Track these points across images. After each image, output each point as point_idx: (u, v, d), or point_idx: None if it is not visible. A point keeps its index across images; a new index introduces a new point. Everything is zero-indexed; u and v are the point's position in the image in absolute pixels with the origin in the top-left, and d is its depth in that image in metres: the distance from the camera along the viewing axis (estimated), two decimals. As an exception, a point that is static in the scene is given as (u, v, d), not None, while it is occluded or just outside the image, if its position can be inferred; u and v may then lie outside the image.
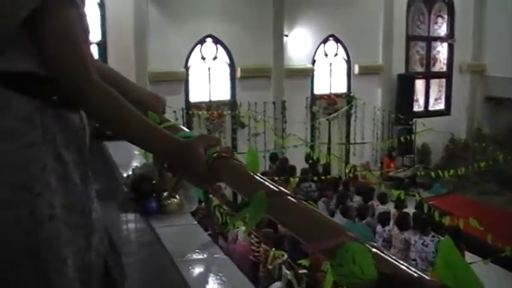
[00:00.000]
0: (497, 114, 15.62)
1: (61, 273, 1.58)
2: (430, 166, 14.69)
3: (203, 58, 12.87)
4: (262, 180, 1.34)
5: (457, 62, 16.08)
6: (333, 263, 0.98)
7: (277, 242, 7.67)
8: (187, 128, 1.94)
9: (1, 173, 1.51)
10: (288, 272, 7.01)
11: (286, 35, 13.31)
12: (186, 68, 12.60)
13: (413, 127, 14.59)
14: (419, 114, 15.26)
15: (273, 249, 7.51)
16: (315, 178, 11.59)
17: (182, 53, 12.42)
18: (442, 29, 16.03)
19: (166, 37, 11.85)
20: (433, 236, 8.32)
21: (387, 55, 14.63)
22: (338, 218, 8.97)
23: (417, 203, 9.59)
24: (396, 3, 14.53)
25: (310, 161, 12.58)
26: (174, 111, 10.96)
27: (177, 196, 2.23)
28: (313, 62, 14.05)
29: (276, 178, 9.96)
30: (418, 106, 15.77)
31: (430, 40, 15.92)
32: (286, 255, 7.31)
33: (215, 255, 1.92)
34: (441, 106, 16.29)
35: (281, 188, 1.28)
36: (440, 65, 16.24)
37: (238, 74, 12.96)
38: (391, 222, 9.40)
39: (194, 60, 12.76)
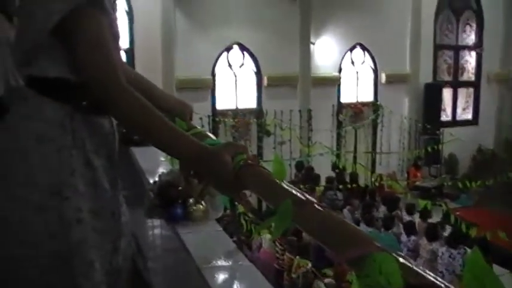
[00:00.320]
0: (525, 125, 15.45)
1: (88, 277, 1.59)
2: (457, 176, 14.54)
3: (230, 66, 12.91)
4: (288, 188, 1.34)
5: (485, 71, 15.92)
6: (359, 273, 0.97)
7: (302, 250, 7.64)
8: (214, 135, 1.95)
9: (31, 176, 1.54)
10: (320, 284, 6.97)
11: (313, 43, 13.30)
12: (213, 75, 12.65)
13: (441, 137, 14.47)
14: (447, 124, 15.12)
15: (297, 257, 7.48)
16: (341, 187, 11.54)
17: (209, 60, 12.47)
18: (471, 38, 15.89)
19: (193, 44, 11.91)
20: (460, 248, 8.21)
21: (415, 64, 14.54)
22: (363, 228, 8.90)
23: (444, 213, 9.51)
24: (424, 12, 14.44)
25: (337, 170, 12.53)
26: (201, 118, 10.99)
27: (203, 203, 2.24)
28: (340, 70, 14.01)
29: (301, 186, 9.93)
30: (446, 116, 15.63)
31: (458, 49, 15.79)
32: (310, 264, 7.28)
33: (240, 262, 1.92)
34: (469, 116, 16.13)
35: (307, 196, 1.28)
36: (468, 74, 16.09)
37: (265, 82, 12.97)
38: (417, 232, 9.32)
39: (221, 67, 12.81)
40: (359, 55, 14.25)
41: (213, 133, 2.11)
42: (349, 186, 11.63)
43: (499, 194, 13.38)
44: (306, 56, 13.21)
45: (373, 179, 13.38)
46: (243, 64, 13.00)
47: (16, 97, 1.65)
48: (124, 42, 11.27)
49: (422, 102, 14.71)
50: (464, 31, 15.79)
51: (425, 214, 9.95)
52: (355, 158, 13.93)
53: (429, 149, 13.23)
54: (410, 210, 10.39)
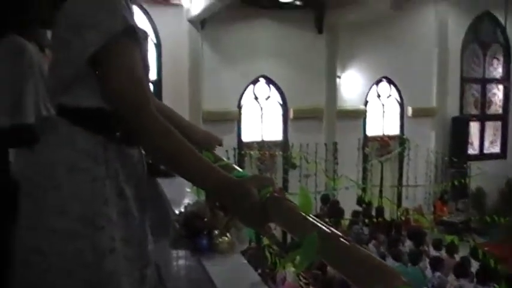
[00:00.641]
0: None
1: None
2: (485, 211, 14.34)
3: (256, 98, 12.98)
4: (314, 222, 1.34)
5: (513, 104, 15.80)
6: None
7: (326, 284, 7.57)
8: (239, 168, 1.96)
9: (64, 206, 1.56)
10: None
11: (339, 77, 13.33)
12: (239, 107, 12.72)
13: (468, 170, 14.31)
14: (474, 158, 14.97)
15: (322, 291, 7.41)
16: (366, 221, 11.45)
17: (235, 92, 12.57)
18: (498, 71, 15.79)
19: (220, 77, 12.02)
20: (490, 286, 8.06)
21: (441, 97, 14.47)
22: (390, 262, 8.80)
23: (471, 249, 9.36)
24: (451, 45, 14.41)
25: (363, 204, 12.44)
26: (226, 151, 11.02)
27: (228, 235, 2.24)
28: (366, 103, 14.00)
29: (326, 220, 9.87)
30: (473, 149, 15.48)
31: (485, 82, 15.69)
32: (335, 298, 7.21)
33: (265, 296, 1.91)
34: (497, 149, 15.96)
35: (333, 229, 1.28)
36: (496, 108, 15.96)
37: (291, 114, 13.01)
38: (444, 267, 9.18)
39: (247, 100, 12.89)
40: (385, 88, 14.24)
41: (238, 165, 2.11)
42: (374, 220, 11.52)
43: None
44: (332, 89, 13.24)
45: (399, 213, 13.26)
46: (269, 97, 13.07)
47: (47, 126, 1.68)
48: (152, 74, 11.42)
49: (449, 136, 14.60)
50: (491, 64, 15.70)
51: (452, 249, 9.81)
52: (381, 191, 13.83)
53: (456, 182, 13.09)
54: (437, 245, 10.24)
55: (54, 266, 1.56)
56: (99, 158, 1.60)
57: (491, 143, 15.94)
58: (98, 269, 1.57)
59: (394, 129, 14.44)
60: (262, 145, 12.95)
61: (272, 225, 1.53)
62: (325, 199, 12.41)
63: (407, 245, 10.36)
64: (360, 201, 12.60)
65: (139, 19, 11.19)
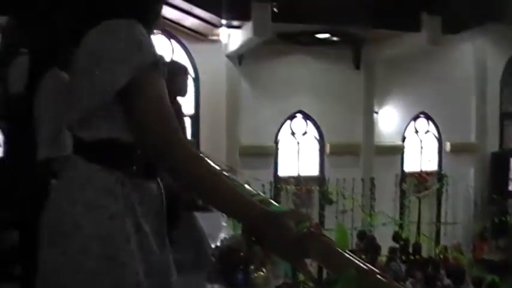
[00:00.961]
0: None
1: None
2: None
3: (293, 133, 13.02)
4: (351, 258, 1.33)
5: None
6: None
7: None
8: (276, 202, 1.95)
9: (87, 243, 1.57)
10: None
11: (376, 112, 13.31)
12: (276, 142, 12.75)
13: (509, 208, 14.04)
14: (515, 194, 14.69)
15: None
16: (404, 258, 11.28)
17: (272, 127, 12.62)
18: (538, 107, 15.55)
19: (257, 111, 12.09)
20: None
21: (480, 132, 14.28)
22: (427, 300, 8.65)
23: (512, 288, 9.16)
24: (489, 80, 14.27)
25: (400, 241, 12.28)
26: (263, 185, 11.03)
27: (264, 269, 2.24)
28: (403, 139, 13.91)
29: (363, 256, 9.76)
30: (514, 185, 15.20)
31: (525, 117, 15.46)
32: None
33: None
34: (539, 186, 15.63)
35: (370, 266, 1.27)
36: (537, 143, 15.68)
37: (328, 150, 12.99)
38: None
39: (284, 134, 12.92)
40: (423, 124, 14.15)
41: (274, 200, 2.12)
42: (412, 257, 11.35)
43: None
44: (369, 125, 13.21)
45: (437, 251, 13.04)
46: (306, 132, 13.09)
47: (66, 164, 1.70)
48: (190, 108, 11.55)
49: (488, 172, 14.37)
50: (531, 99, 15.49)
51: (493, 289, 9.60)
52: (418, 228, 13.63)
53: (496, 220, 12.85)
54: (477, 283, 10.03)
55: None
56: (116, 194, 1.61)
57: (533, 179, 15.63)
58: None
59: (432, 165, 14.28)
60: (298, 180, 12.93)
61: (308, 260, 1.53)
62: (361, 235, 12.28)
63: (446, 283, 10.18)
64: (396, 237, 12.44)
65: (178, 54, 11.38)
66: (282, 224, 1.49)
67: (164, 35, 11.56)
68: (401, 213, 13.76)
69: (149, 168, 1.69)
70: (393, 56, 12.67)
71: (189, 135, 9.17)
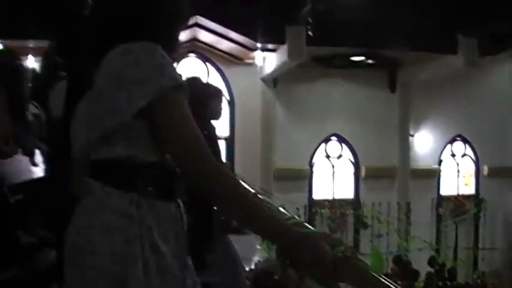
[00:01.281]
0: None
1: None
2: None
3: (328, 156, 12.97)
4: (387, 283, 1.32)
5: None
6: None
7: None
8: (310, 226, 1.94)
9: (100, 266, 1.58)
10: None
11: (412, 135, 13.20)
12: (311, 165, 12.72)
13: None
14: (555, 220, 14.39)
15: None
16: (440, 283, 11.11)
17: (307, 150, 12.60)
18: None
19: (292, 134, 12.09)
20: None
21: (519, 156, 14.07)
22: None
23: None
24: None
25: (436, 266, 12.10)
26: (297, 208, 10.99)
27: (299, 294, 2.22)
28: (440, 162, 13.76)
29: (399, 281, 9.63)
30: (554, 210, 14.89)
31: None
32: None
33: None
34: None
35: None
36: None
37: (363, 173, 12.91)
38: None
39: (319, 158, 12.88)
40: (460, 147, 13.98)
41: (309, 223, 2.10)
42: (448, 283, 11.16)
43: None
44: (405, 148, 13.10)
45: (474, 276, 12.80)
46: (341, 155, 13.03)
47: (83, 189, 1.70)
48: (225, 131, 11.62)
49: (528, 196, 14.12)
50: None
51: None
52: (455, 253, 13.41)
53: (536, 245, 12.59)
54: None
55: None
56: (132, 216, 1.61)
57: None
58: None
59: (469, 189, 14.08)
60: (333, 203, 12.85)
61: (342, 284, 1.51)
62: (397, 260, 12.13)
63: (485, 310, 9.99)
64: (432, 262, 12.26)
65: (214, 77, 11.48)
66: (317, 247, 1.48)
67: (200, 58, 11.69)
68: (438, 238, 13.56)
69: (167, 189, 1.69)
70: (429, 79, 12.57)
71: (223, 158, 9.19)
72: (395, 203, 12.91)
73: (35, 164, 2.92)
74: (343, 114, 12.58)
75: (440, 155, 13.72)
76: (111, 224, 1.60)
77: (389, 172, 12.98)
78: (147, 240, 1.61)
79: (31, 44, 8.72)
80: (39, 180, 2.99)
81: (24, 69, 3.41)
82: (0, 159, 2.96)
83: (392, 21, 9.81)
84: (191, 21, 9.77)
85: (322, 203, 12.74)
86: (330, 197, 12.94)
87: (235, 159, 11.55)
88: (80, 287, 1.61)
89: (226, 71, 11.84)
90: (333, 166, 13.02)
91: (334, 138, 12.90)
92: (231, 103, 11.86)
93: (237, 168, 10.52)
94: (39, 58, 3.35)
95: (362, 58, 11.85)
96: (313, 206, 12.59)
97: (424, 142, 13.34)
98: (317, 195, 12.82)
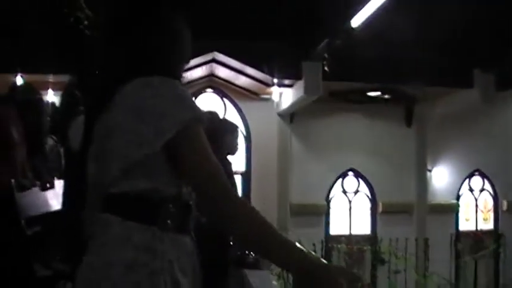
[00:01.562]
0: None
1: None
2: None
3: (344, 192, 12.93)
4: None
5: None
6: None
7: None
8: (327, 261, 1.93)
9: None
10: None
11: (430, 170, 13.14)
12: (327, 200, 12.67)
13: None
14: None
15: None
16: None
17: (324, 186, 12.56)
18: None
19: (308, 170, 12.07)
20: None
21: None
22: None
23: None
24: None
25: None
26: (314, 244, 10.92)
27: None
28: (458, 197, 13.64)
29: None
30: None
31: None
32: None
33: None
34: None
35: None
36: None
37: (380, 208, 12.83)
38: None
39: (335, 193, 12.84)
40: (478, 182, 13.87)
41: (325, 259, 2.10)
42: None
43: None
44: (423, 183, 13.02)
45: (496, 314, 12.61)
46: (358, 191, 12.99)
47: (99, 226, 1.69)
48: (241, 166, 11.63)
49: (549, 231, 13.94)
50: None
51: None
52: (475, 290, 13.23)
53: (558, 282, 12.38)
54: None
55: None
56: (155, 250, 1.61)
57: None
58: None
59: (488, 224, 13.93)
60: (350, 239, 12.76)
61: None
62: (416, 297, 12.00)
63: None
64: (452, 300, 12.10)
65: (230, 113, 11.54)
66: (335, 282, 1.47)
67: (217, 93, 11.77)
68: (457, 275, 13.38)
69: (184, 222, 1.70)
70: (446, 114, 12.55)
71: (239, 193, 9.19)
72: (413, 239, 12.77)
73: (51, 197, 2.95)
74: (359, 149, 12.56)
75: (458, 190, 13.61)
76: (134, 260, 1.59)
77: (406, 207, 12.89)
78: (168, 275, 1.62)
79: (51, 78, 8.83)
80: (56, 213, 3.02)
81: (44, 104, 3.47)
82: (18, 192, 2.99)
83: (409, 56, 9.84)
84: (208, 57, 9.88)
85: (338, 239, 12.65)
86: (347, 233, 12.86)
87: (252, 194, 11.53)
88: None
89: (243, 106, 11.91)
90: (350, 201, 12.96)
91: (350, 173, 12.87)
92: (248, 138, 11.90)
93: (254, 203, 10.35)
94: (59, 92, 3.40)
95: (378, 93, 11.87)
96: (330, 242, 12.49)
97: (441, 177, 13.26)
98: (334, 230, 12.75)
